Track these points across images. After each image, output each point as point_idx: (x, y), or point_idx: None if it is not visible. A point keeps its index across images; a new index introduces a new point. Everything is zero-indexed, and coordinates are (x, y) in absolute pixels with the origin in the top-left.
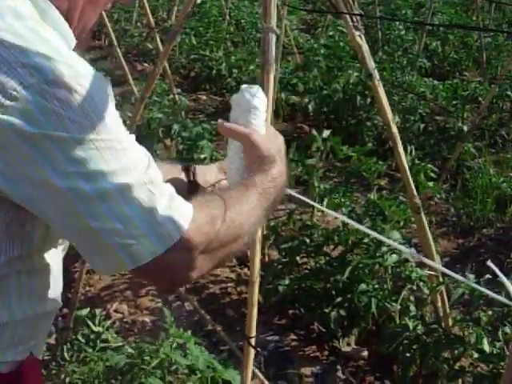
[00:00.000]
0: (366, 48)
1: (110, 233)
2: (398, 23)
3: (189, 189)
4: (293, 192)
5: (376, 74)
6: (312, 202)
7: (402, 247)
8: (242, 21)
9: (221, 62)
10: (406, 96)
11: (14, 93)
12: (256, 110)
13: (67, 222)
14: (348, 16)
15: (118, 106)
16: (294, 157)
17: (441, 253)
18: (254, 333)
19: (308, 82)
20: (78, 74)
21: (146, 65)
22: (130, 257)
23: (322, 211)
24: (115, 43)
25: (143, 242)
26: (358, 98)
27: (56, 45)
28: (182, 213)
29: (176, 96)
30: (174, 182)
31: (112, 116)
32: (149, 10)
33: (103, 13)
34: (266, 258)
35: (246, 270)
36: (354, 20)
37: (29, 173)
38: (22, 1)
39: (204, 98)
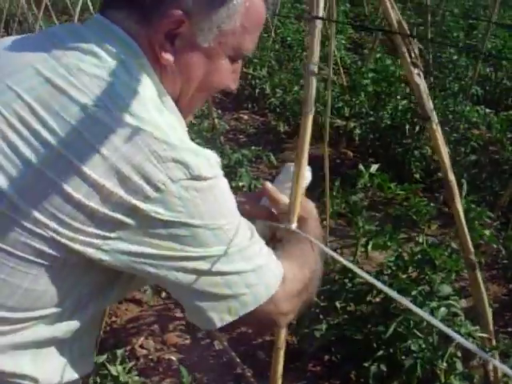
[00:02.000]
0: (424, 87)
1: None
2: (449, 47)
3: None
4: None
5: (435, 117)
6: (349, 264)
7: (474, 347)
8: (288, 38)
9: (264, 80)
10: (458, 126)
11: (162, 186)
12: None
13: (185, 289)
14: (406, 51)
15: None
16: (338, 193)
17: (490, 299)
18: None
19: (354, 106)
20: (211, 165)
21: None
22: (242, 305)
23: (366, 251)
24: None
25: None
26: (407, 126)
27: (187, 137)
28: (276, 268)
29: (215, 120)
30: None
31: (231, 199)
32: None
33: None
34: None
35: None
36: (413, 56)
37: (161, 252)
38: (156, 93)
39: (245, 117)
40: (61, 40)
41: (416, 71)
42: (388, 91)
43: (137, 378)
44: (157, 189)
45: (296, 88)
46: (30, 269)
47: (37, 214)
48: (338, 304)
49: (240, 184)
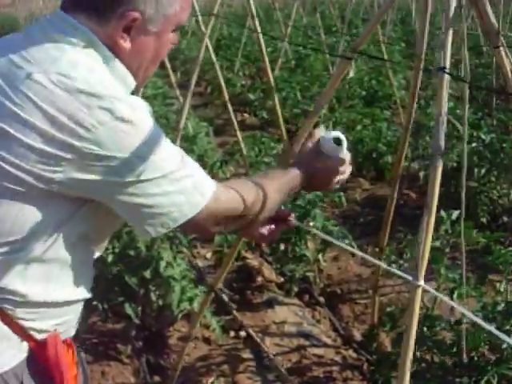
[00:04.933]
0: None
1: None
2: None
3: None
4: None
5: None
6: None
7: None
8: (347, 77)
9: (324, 119)
10: None
11: (92, 128)
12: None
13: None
14: None
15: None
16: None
17: None
18: None
19: (418, 147)
20: (134, 109)
21: (245, 115)
22: (172, 221)
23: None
24: (225, 94)
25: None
26: (476, 169)
27: (116, 90)
28: (206, 188)
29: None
30: None
31: (154, 131)
32: (269, 69)
33: (215, 61)
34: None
35: (350, 351)
36: None
37: (100, 179)
38: (90, 56)
39: None
40: (32, 36)
41: None
42: (456, 134)
43: None
44: (87, 130)
45: (359, 127)
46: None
47: (5, 155)
48: (418, 353)
49: (311, 223)
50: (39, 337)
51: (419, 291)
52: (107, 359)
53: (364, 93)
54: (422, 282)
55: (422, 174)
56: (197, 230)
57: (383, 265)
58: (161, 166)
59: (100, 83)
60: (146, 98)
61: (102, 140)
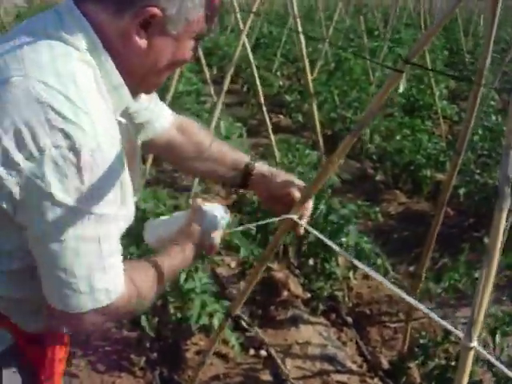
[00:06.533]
0: None
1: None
2: None
3: (241, 182)
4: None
5: None
6: None
7: None
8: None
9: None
10: None
11: (45, 147)
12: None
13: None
14: None
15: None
16: (461, 268)
17: None
18: None
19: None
20: (98, 147)
21: (281, 116)
22: (64, 304)
23: (494, 339)
24: (261, 96)
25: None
26: None
27: (96, 115)
28: (113, 290)
29: None
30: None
31: (105, 191)
32: (309, 76)
33: (251, 60)
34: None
35: (376, 380)
36: None
37: (29, 213)
38: (86, 66)
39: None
40: (35, 31)
41: None
42: (500, 150)
43: None
44: (40, 150)
45: (398, 137)
46: None
47: None
48: None
49: (343, 239)
50: (27, 329)
51: (471, 353)
52: (119, 370)
53: (404, 101)
54: (475, 344)
55: (462, 191)
56: (75, 326)
57: (436, 317)
58: (82, 242)
59: (79, 101)
60: (178, 93)
61: (47, 167)
